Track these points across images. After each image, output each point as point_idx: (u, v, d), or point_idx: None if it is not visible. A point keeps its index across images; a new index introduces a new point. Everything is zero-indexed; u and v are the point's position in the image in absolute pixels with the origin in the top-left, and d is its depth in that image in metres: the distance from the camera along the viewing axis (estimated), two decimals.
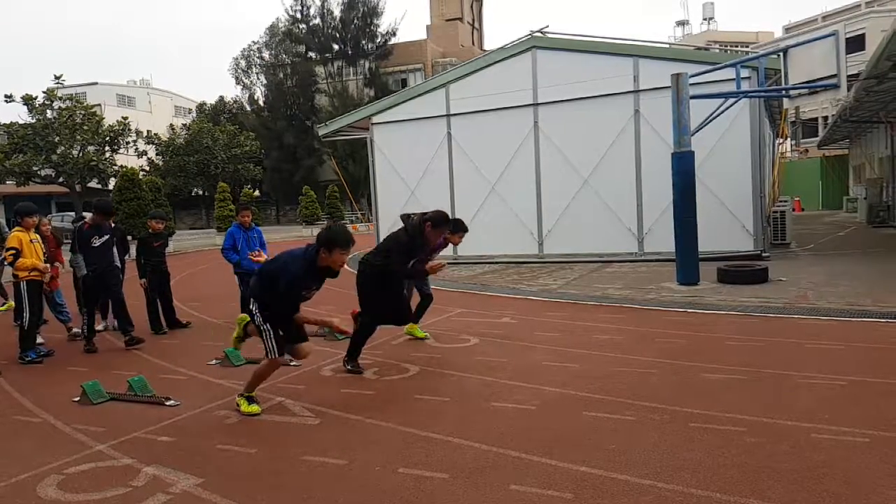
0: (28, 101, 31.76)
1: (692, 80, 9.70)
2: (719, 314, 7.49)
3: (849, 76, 9.44)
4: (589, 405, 4.46)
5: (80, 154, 32.15)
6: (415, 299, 6.86)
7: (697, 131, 9.84)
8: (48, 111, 32.22)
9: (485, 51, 42.96)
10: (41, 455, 4.00)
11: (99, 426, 4.49)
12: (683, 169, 9.62)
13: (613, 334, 6.72)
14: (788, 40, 11.74)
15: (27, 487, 3.54)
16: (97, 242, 7.19)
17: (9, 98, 31.52)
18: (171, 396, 5.04)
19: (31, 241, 6.86)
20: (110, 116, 36.86)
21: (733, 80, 10.21)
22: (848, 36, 11.09)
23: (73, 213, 29.00)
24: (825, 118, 36.10)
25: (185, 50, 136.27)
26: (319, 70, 52.33)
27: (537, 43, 13.75)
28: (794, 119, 32.56)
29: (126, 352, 7.07)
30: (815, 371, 4.99)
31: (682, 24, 67.68)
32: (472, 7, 60.05)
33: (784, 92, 9.91)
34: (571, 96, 13.37)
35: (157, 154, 46.75)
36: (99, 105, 40.17)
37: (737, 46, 36.56)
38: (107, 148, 33.44)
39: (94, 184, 34.71)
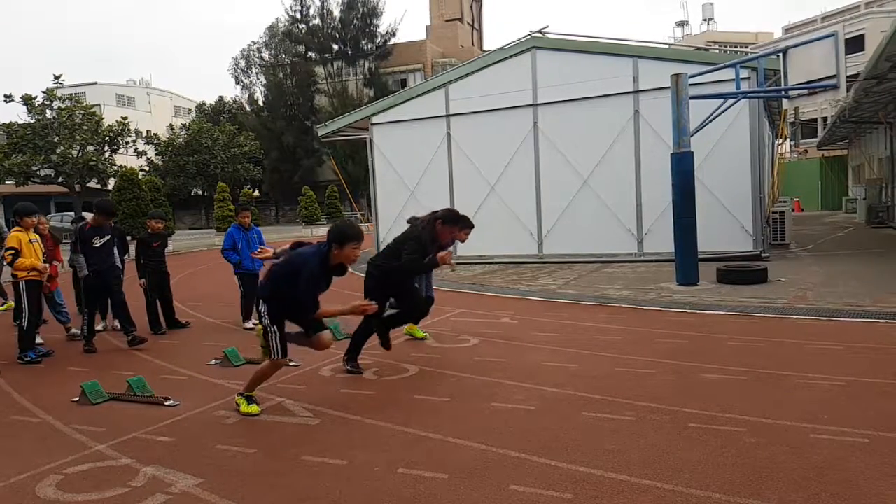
0: (27, 100, 31.73)
1: (692, 81, 9.71)
2: (719, 314, 7.50)
3: (848, 77, 9.45)
4: (588, 405, 4.46)
5: (80, 154, 32.12)
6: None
7: (697, 132, 9.85)
8: (47, 111, 32.17)
9: (484, 51, 42.95)
10: (40, 455, 3.99)
11: (98, 426, 4.49)
12: (683, 169, 9.62)
13: (613, 335, 6.72)
14: (788, 41, 11.76)
15: (26, 487, 3.54)
16: (98, 243, 7.19)
17: (8, 98, 31.49)
18: (171, 396, 5.04)
19: (30, 241, 6.86)
20: (110, 116, 36.83)
21: (733, 80, 10.22)
22: (847, 36, 11.12)
23: (72, 213, 28.99)
24: (824, 119, 36.14)
25: (184, 50, 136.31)
26: (319, 70, 52.35)
27: (537, 43, 13.75)
28: (793, 120, 32.59)
29: (125, 352, 7.07)
30: (815, 371, 4.99)
31: (681, 24, 67.77)
32: (471, 7, 60.07)
33: (783, 92, 9.92)
34: (571, 97, 13.37)
35: (156, 154, 46.72)
36: (98, 105, 40.17)
37: (736, 47, 36.59)
38: (106, 148, 33.39)
39: (93, 184, 34.64)
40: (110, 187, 32.02)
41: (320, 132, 17.19)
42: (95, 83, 54.21)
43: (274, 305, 4.54)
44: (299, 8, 52.72)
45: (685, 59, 12.74)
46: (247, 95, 56.20)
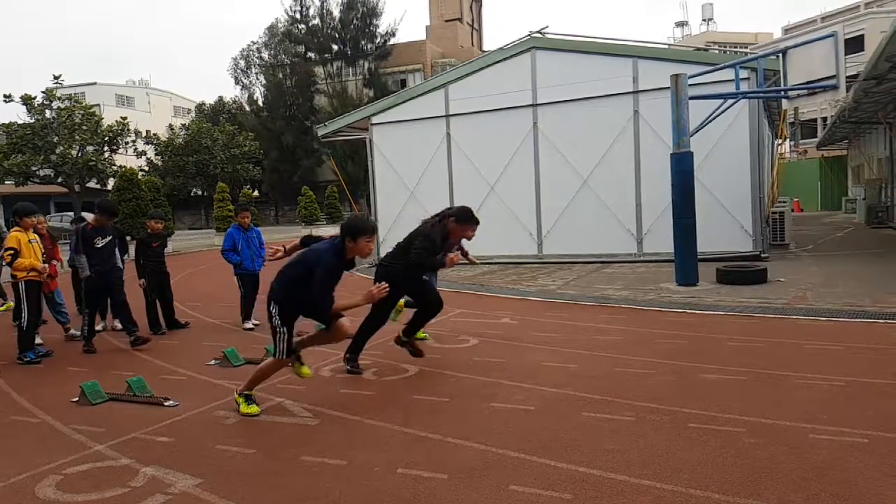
0: (27, 101, 31.71)
1: (691, 81, 9.71)
2: (718, 315, 7.50)
3: (848, 77, 9.45)
4: (588, 405, 4.46)
5: (79, 154, 32.11)
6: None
7: (696, 132, 9.85)
8: (47, 111, 32.16)
9: (484, 51, 42.97)
10: (40, 455, 3.99)
11: (98, 426, 4.49)
12: (682, 169, 9.63)
13: (612, 335, 6.72)
14: (787, 41, 11.76)
15: (26, 488, 3.54)
16: (100, 243, 7.18)
17: (7, 98, 31.48)
18: (170, 397, 5.04)
19: (29, 241, 6.86)
20: (109, 116, 36.83)
21: (732, 80, 10.22)
22: (847, 37, 11.12)
23: (71, 214, 28.97)
24: (824, 119, 36.15)
25: (184, 50, 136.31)
26: (319, 70, 52.34)
27: (536, 43, 13.75)
28: (793, 120, 32.57)
29: (125, 352, 7.07)
30: (814, 371, 4.99)
31: (681, 24, 67.75)
32: (471, 8, 60.07)
33: (783, 93, 9.92)
34: (571, 97, 13.37)
35: (156, 154, 46.69)
36: (98, 105, 40.15)
37: (736, 47, 36.60)
38: (106, 148, 33.39)
39: (92, 184, 34.63)
40: (110, 187, 31.99)
41: (320, 132, 17.18)
42: (95, 83, 54.18)
43: (286, 307, 4.53)
44: (299, 8, 52.77)
45: (685, 60, 12.74)
46: (246, 95, 56.26)
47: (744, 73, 10.79)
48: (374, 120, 15.57)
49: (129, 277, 8.33)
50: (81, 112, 32.26)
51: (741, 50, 20.67)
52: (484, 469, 3.49)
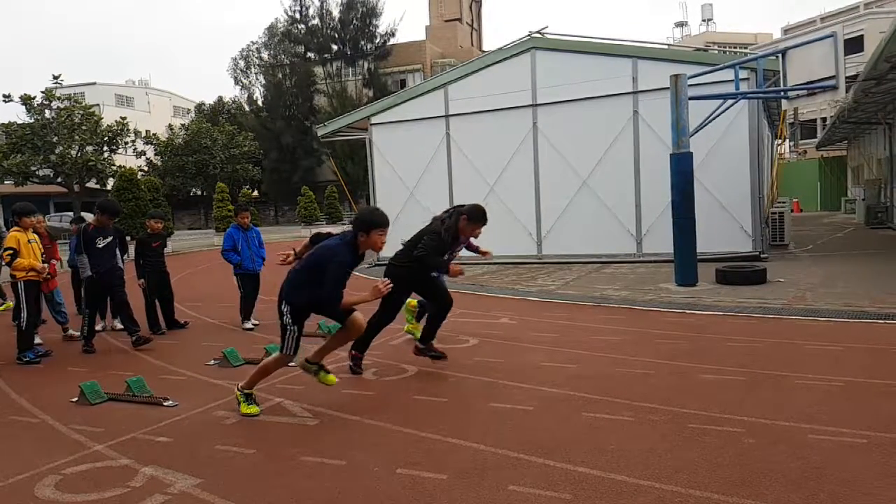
0: (26, 101, 31.67)
1: (691, 82, 9.72)
2: (718, 315, 7.50)
3: (847, 77, 9.45)
4: (587, 406, 4.47)
5: (79, 154, 32.08)
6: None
7: (696, 132, 9.85)
8: (46, 111, 32.13)
9: (484, 52, 42.96)
10: (39, 455, 3.99)
11: (97, 426, 4.49)
12: (682, 170, 9.63)
13: (612, 335, 6.72)
14: (787, 41, 11.77)
15: (25, 488, 3.54)
16: (102, 244, 7.18)
17: (7, 98, 31.45)
18: (170, 397, 5.04)
19: (28, 241, 6.85)
20: (109, 116, 36.79)
21: (732, 81, 10.22)
22: (846, 37, 11.11)
23: (71, 214, 28.95)
24: (824, 119, 36.14)
25: (184, 50, 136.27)
26: (318, 70, 52.32)
27: (536, 44, 13.76)
28: (792, 120, 32.60)
29: (124, 352, 7.07)
30: (813, 372, 4.99)
31: (680, 25, 67.66)
32: (470, 8, 60.07)
33: (783, 93, 9.93)
34: (570, 97, 13.38)
35: (155, 154, 46.70)
36: (97, 105, 40.06)
37: (735, 47, 36.59)
38: (105, 148, 33.37)
39: (92, 184, 34.61)
40: (109, 187, 31.98)
41: (319, 132, 17.19)
42: (94, 83, 54.15)
43: (298, 306, 4.51)
44: (298, 8, 52.73)
45: (684, 60, 12.75)
46: (246, 96, 56.26)
47: (743, 74, 10.79)
48: (374, 120, 15.58)
49: (129, 277, 8.33)
50: (81, 112, 32.23)
51: (741, 50, 20.67)
52: (483, 469, 3.49)
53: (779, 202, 19.44)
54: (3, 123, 33.37)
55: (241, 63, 54.65)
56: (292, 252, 4.96)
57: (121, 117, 34.54)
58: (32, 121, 32.17)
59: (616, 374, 5.24)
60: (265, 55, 53.95)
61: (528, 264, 13.66)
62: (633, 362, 5.56)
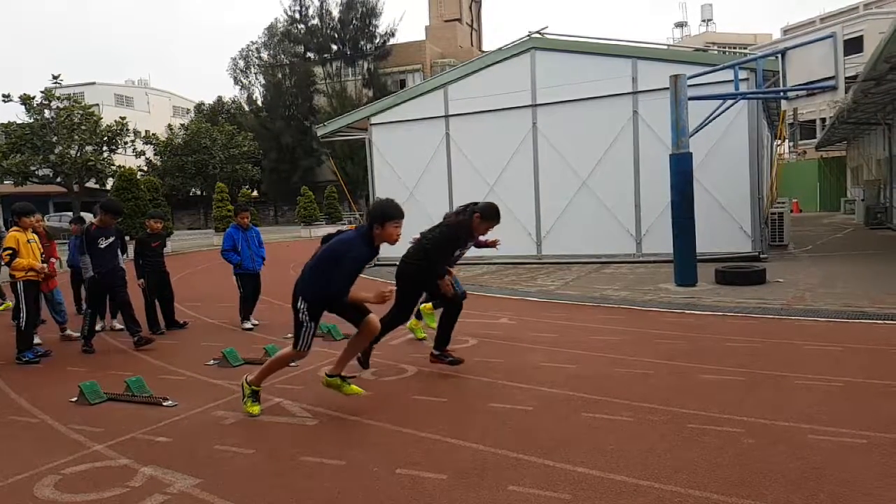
0: (26, 100, 31.66)
1: (690, 82, 9.72)
2: (717, 315, 7.50)
3: (847, 78, 9.46)
4: (587, 406, 4.46)
5: (78, 154, 32.07)
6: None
7: (696, 133, 9.86)
8: (46, 111, 32.12)
9: (483, 52, 42.93)
10: (38, 455, 3.99)
11: (96, 426, 4.49)
12: (681, 170, 9.63)
13: (611, 335, 6.72)
14: (787, 42, 11.77)
15: (24, 488, 3.53)
16: (104, 244, 7.17)
17: (6, 98, 31.44)
18: (169, 397, 5.04)
19: (28, 241, 6.85)
20: (108, 116, 36.78)
21: (731, 81, 10.22)
22: (846, 37, 11.12)
23: (70, 213, 28.92)
24: (823, 120, 36.15)
25: (183, 50, 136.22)
26: (318, 70, 52.33)
27: (536, 44, 13.76)
28: (792, 121, 32.60)
29: (124, 352, 7.07)
30: (813, 372, 4.99)
31: (680, 25, 67.66)
32: (470, 8, 60.07)
33: (782, 93, 9.93)
34: (570, 97, 13.38)
35: (155, 154, 46.69)
36: (97, 105, 40.04)
37: (735, 48, 36.59)
38: (105, 148, 33.36)
39: (91, 184, 34.60)
40: (109, 187, 31.96)
41: (319, 132, 17.20)
42: (94, 83, 54.11)
43: (313, 303, 4.47)
44: (298, 8, 52.74)
45: (684, 60, 12.75)
46: (245, 96, 56.27)
47: (743, 74, 10.79)
48: (374, 120, 15.58)
49: (129, 277, 8.33)
50: (80, 112, 32.22)
51: (740, 50, 20.67)
52: (483, 469, 3.49)
53: (778, 202, 19.44)
54: (2, 123, 33.36)
55: (241, 63, 54.74)
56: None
57: (120, 117, 34.53)
58: (32, 121, 32.16)
59: (615, 374, 5.24)
60: (265, 55, 54.01)
61: (527, 264, 13.66)
62: (633, 362, 5.56)
